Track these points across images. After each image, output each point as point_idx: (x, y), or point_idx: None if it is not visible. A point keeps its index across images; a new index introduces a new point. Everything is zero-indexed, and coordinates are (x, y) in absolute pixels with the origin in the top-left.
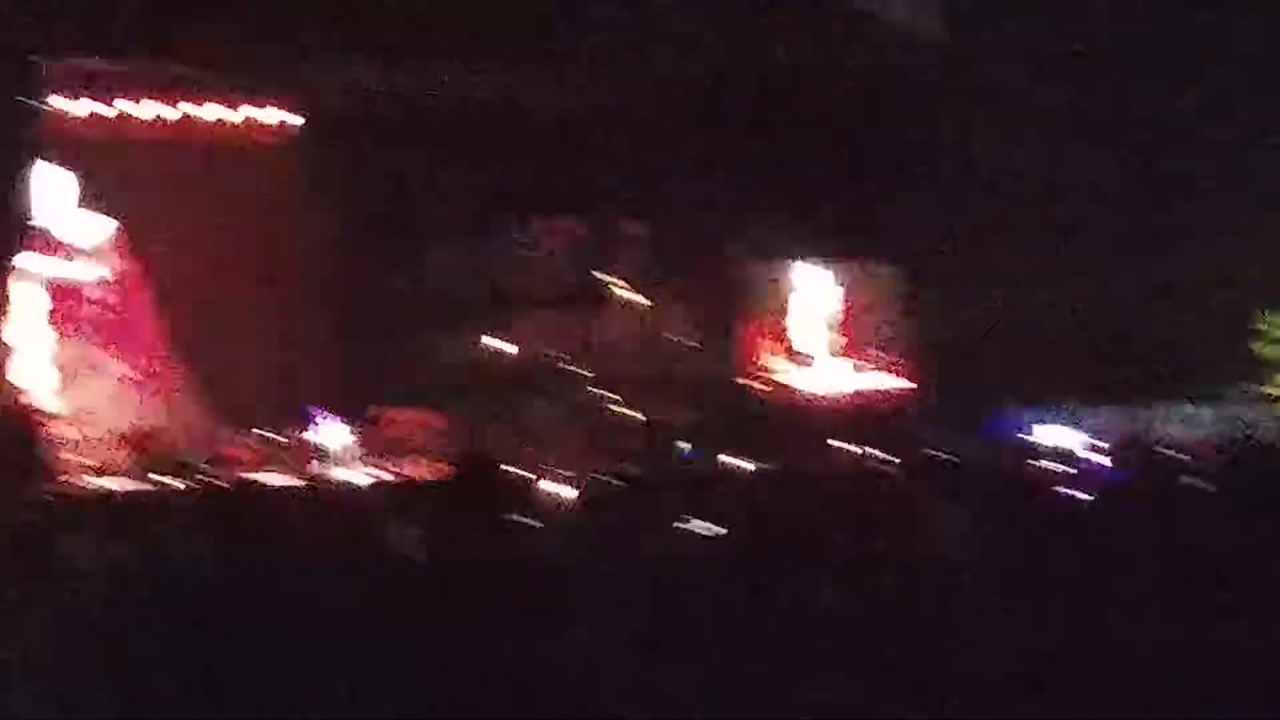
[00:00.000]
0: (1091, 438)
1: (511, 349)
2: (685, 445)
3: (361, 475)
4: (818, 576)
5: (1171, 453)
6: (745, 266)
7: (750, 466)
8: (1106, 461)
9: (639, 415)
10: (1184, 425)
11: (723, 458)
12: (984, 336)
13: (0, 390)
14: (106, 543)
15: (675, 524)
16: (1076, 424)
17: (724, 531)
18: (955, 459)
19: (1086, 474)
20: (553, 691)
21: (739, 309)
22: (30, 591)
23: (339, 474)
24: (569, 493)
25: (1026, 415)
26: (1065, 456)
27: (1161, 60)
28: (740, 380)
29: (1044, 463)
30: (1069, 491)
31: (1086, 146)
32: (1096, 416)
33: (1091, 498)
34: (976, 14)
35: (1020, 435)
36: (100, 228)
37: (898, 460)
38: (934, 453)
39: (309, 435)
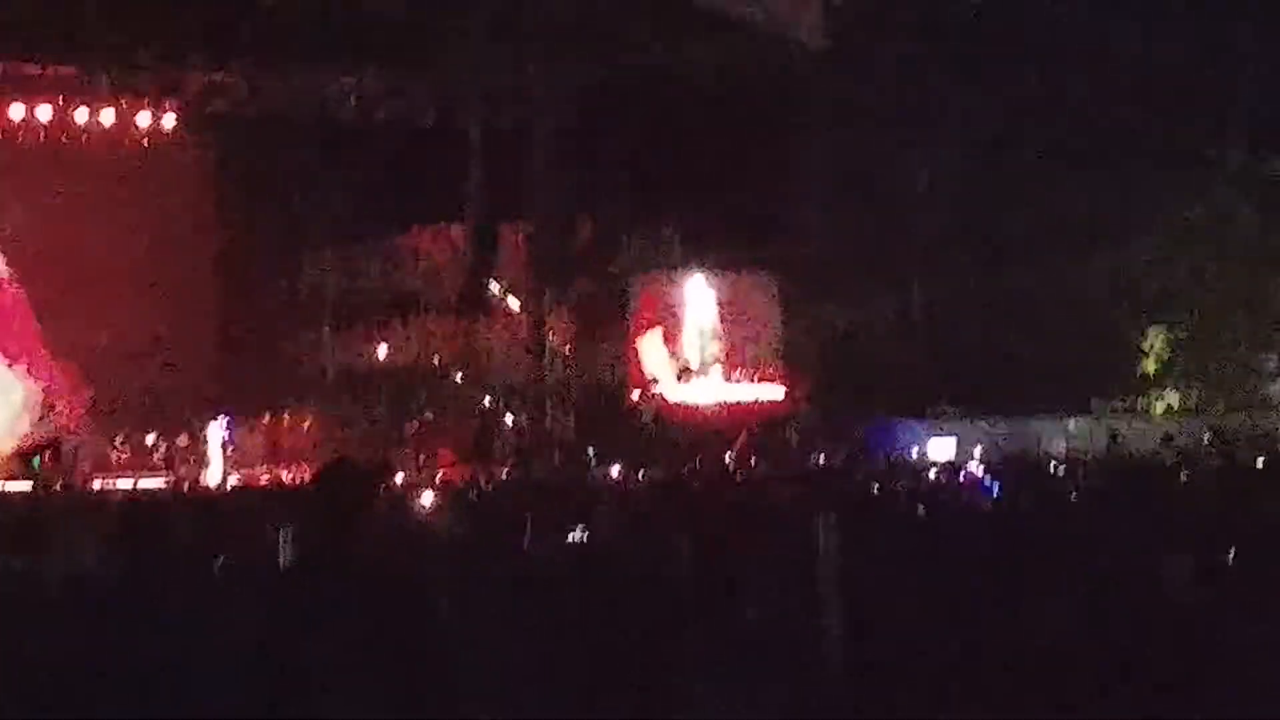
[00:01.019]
0: (975, 450)
1: (393, 354)
2: (591, 453)
3: (233, 478)
4: (684, 583)
5: (1053, 466)
6: (628, 275)
7: (619, 473)
8: (986, 473)
9: (519, 421)
10: (1068, 439)
11: (599, 465)
12: (867, 347)
13: None
14: None
15: (541, 529)
16: (960, 436)
17: (588, 537)
18: (832, 469)
19: (965, 485)
20: (394, 689)
21: (621, 317)
22: None
23: (213, 478)
24: (429, 497)
25: (910, 426)
26: (947, 468)
27: (1049, 73)
28: (622, 388)
29: (928, 473)
30: (943, 501)
31: (975, 159)
32: (981, 429)
33: (964, 507)
34: (858, 26)
35: (903, 446)
36: None
37: (777, 470)
38: (813, 463)
39: (186, 439)
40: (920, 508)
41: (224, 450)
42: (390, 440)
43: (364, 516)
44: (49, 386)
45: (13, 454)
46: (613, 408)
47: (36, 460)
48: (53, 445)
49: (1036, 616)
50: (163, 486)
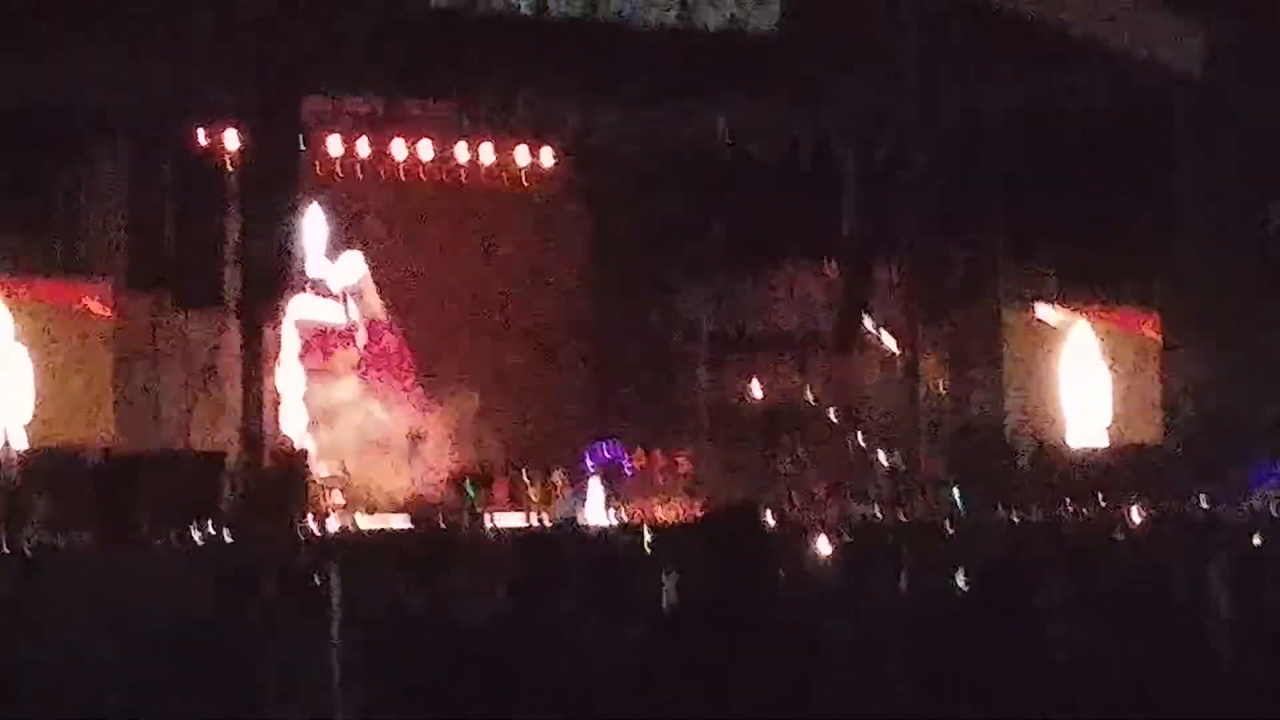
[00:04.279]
0: None
1: (768, 391)
2: (955, 494)
3: (612, 518)
4: (1071, 634)
5: None
6: (1000, 312)
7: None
8: None
9: (893, 462)
10: None
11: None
12: (1249, 386)
13: (267, 432)
14: (362, 580)
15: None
16: None
17: (970, 586)
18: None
19: None
20: None
21: (994, 356)
22: (296, 626)
23: (590, 516)
24: (823, 543)
25: None
26: None
27: None
28: (994, 428)
29: None
30: None
31: None
32: None
33: None
34: (1239, 51)
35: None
36: (355, 269)
37: (1156, 514)
38: (1192, 507)
39: (561, 477)
40: None
41: (595, 488)
42: (765, 479)
43: (751, 557)
44: (418, 422)
45: (444, 480)
46: (988, 448)
47: (472, 487)
48: (485, 476)
49: None
50: (547, 524)
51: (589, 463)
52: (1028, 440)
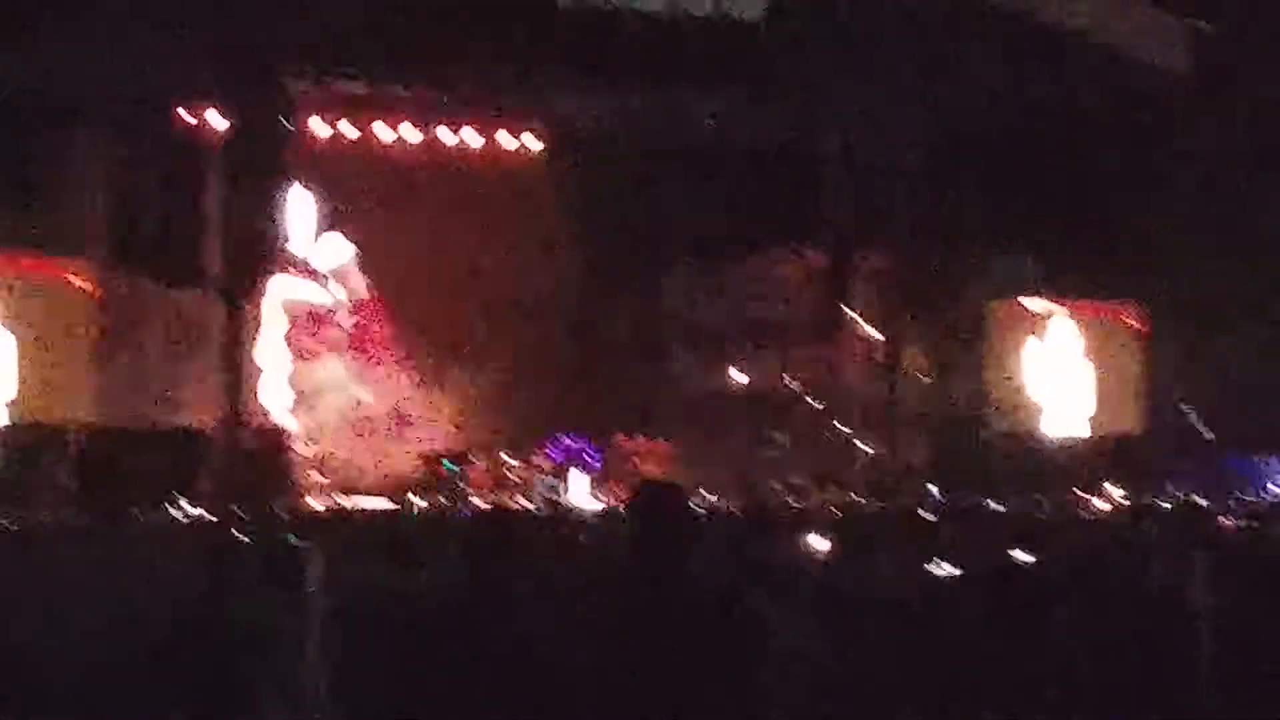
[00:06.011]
0: None
1: (747, 378)
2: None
3: (594, 502)
4: (1050, 622)
5: None
6: (984, 303)
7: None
8: None
9: (875, 449)
10: None
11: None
12: (1231, 380)
13: (247, 410)
14: (344, 560)
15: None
16: None
17: (957, 573)
18: (1190, 506)
19: None
20: None
21: (976, 346)
22: (276, 605)
23: (574, 500)
24: (821, 541)
25: (1269, 462)
26: None
27: None
28: (975, 418)
29: None
30: None
31: None
32: None
33: None
34: (1222, 48)
35: (1260, 482)
36: (341, 250)
37: (1132, 505)
38: (1169, 499)
39: (545, 461)
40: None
41: (578, 472)
42: (745, 466)
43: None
44: (409, 410)
45: (425, 461)
46: (970, 437)
47: (452, 466)
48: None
49: None
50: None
51: (553, 454)
52: (1010, 430)
